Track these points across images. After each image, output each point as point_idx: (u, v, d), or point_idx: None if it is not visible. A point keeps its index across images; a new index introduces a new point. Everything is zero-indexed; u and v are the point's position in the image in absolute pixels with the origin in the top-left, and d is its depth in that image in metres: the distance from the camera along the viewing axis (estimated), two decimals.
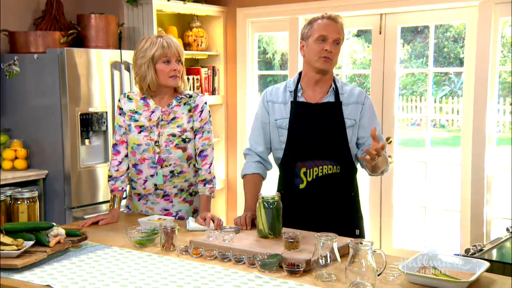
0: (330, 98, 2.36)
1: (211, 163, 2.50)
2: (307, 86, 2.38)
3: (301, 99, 2.36)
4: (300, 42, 2.39)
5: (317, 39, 2.29)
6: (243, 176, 2.44)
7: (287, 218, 2.21)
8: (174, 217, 2.50)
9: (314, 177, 2.32)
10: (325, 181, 2.32)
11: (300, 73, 2.43)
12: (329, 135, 2.31)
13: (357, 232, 2.38)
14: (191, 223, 2.30)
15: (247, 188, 2.40)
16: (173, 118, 2.47)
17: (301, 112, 2.34)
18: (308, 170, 2.32)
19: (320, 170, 2.31)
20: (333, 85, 2.37)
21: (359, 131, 2.36)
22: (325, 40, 2.29)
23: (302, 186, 2.33)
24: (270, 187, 2.43)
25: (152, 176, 2.48)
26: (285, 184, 2.40)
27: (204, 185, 2.47)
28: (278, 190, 2.41)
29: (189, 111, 2.49)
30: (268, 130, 2.42)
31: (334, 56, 2.31)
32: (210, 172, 2.49)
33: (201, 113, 2.49)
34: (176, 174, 2.48)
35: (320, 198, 2.34)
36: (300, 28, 4.33)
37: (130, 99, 2.52)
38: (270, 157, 2.49)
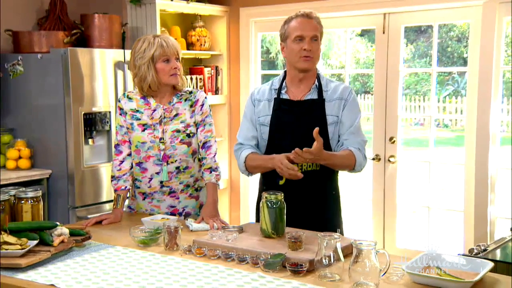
0: (313, 95, 2.37)
1: (215, 153, 2.52)
2: (291, 84, 2.40)
3: (284, 96, 2.39)
4: (280, 44, 2.41)
5: (295, 39, 2.31)
6: (244, 160, 2.37)
7: None
8: (180, 214, 2.52)
9: None
10: (304, 178, 2.26)
11: (285, 71, 2.45)
12: (309, 132, 2.22)
13: (338, 231, 2.32)
14: (194, 224, 2.30)
15: (258, 157, 2.32)
16: (176, 115, 2.49)
17: (282, 109, 2.36)
18: None
19: (299, 166, 2.28)
20: (316, 82, 2.38)
21: (339, 127, 2.35)
22: (302, 39, 2.30)
23: (281, 182, 2.30)
24: (253, 184, 2.41)
25: (157, 173, 2.49)
26: (266, 180, 2.41)
27: (210, 172, 2.48)
28: (260, 187, 2.44)
29: (191, 106, 2.51)
30: (255, 125, 2.43)
31: (314, 53, 2.32)
32: (215, 161, 2.51)
33: (202, 107, 2.52)
34: (182, 170, 2.49)
35: (300, 195, 2.32)
36: None
37: (130, 98, 2.53)
38: None
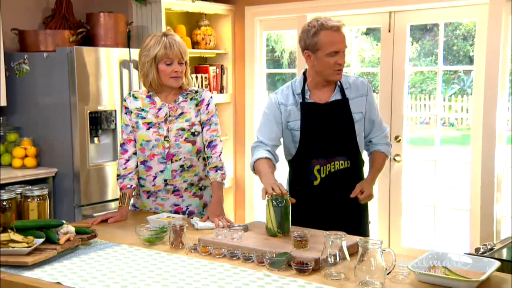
0: (337, 95, 2.41)
1: (221, 152, 2.52)
2: (314, 87, 2.42)
3: (309, 100, 2.41)
4: (305, 52, 2.37)
5: (330, 54, 2.31)
6: (256, 161, 2.37)
7: (302, 214, 2.27)
8: (184, 212, 2.52)
9: (327, 173, 2.39)
10: (337, 176, 2.39)
11: (304, 73, 2.45)
12: (339, 132, 2.38)
13: (370, 221, 2.52)
14: (199, 223, 2.30)
15: (262, 167, 2.31)
16: (181, 113, 2.50)
17: (311, 113, 2.39)
18: (321, 167, 2.38)
19: (333, 166, 2.38)
20: (338, 82, 2.42)
21: (364, 123, 2.45)
22: (337, 54, 2.32)
23: (316, 182, 2.39)
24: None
25: (162, 171, 2.49)
26: (299, 181, 2.45)
27: (216, 171, 2.48)
28: (290, 187, 2.47)
29: (196, 105, 2.51)
30: (281, 128, 2.44)
31: (344, 65, 2.37)
32: (220, 160, 2.50)
33: (207, 106, 2.52)
34: (186, 169, 2.50)
35: (334, 193, 2.40)
36: None
37: (135, 97, 2.53)
38: (278, 152, 2.50)
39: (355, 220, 2.45)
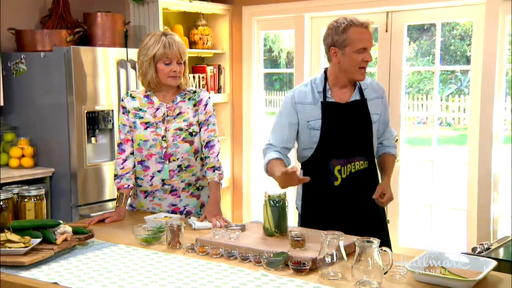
0: (356, 96, 2.42)
1: (218, 152, 2.52)
2: (334, 86, 2.41)
3: (330, 99, 2.39)
4: (331, 49, 2.35)
5: (358, 50, 2.30)
6: (268, 162, 2.36)
7: (322, 216, 2.32)
8: (181, 212, 2.52)
9: (348, 173, 2.38)
10: (357, 177, 2.39)
11: (325, 72, 2.44)
12: (359, 132, 2.38)
13: (389, 220, 2.56)
14: (197, 222, 2.30)
15: (275, 166, 2.29)
16: (179, 113, 2.49)
17: (332, 113, 2.38)
18: (342, 168, 2.37)
19: (353, 166, 2.38)
20: (357, 82, 2.43)
21: (379, 124, 2.48)
22: (365, 50, 2.32)
23: (337, 183, 2.38)
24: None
25: (159, 171, 2.49)
26: (317, 182, 2.40)
27: (213, 171, 2.48)
28: (305, 189, 2.44)
29: (194, 105, 2.51)
30: (295, 130, 2.42)
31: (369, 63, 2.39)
32: (218, 160, 2.50)
33: (205, 107, 2.52)
34: (183, 168, 2.50)
35: (354, 193, 2.40)
36: (306, 26, 4.32)
37: (133, 97, 2.53)
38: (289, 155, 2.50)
39: (376, 220, 2.44)
